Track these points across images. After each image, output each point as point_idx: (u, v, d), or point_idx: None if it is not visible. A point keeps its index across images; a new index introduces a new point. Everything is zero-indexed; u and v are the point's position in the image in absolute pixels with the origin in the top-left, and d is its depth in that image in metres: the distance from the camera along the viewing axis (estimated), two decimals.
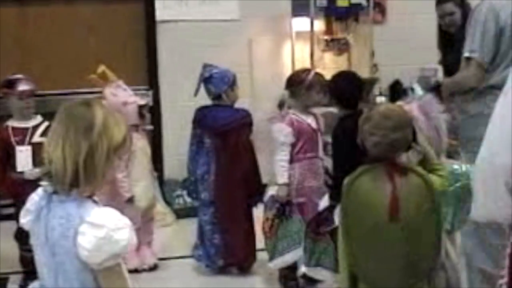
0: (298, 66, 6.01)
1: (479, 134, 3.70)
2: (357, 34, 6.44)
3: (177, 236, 5.74)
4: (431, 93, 3.54)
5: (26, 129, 4.58)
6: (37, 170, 4.38)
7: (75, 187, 2.07)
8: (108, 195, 4.35)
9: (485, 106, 3.69)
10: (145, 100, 5.09)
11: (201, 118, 4.74)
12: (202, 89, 4.73)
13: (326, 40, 6.38)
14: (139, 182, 4.78)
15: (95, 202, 2.13)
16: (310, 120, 4.45)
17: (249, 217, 4.73)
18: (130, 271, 2.47)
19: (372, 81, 6.04)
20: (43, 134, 4.51)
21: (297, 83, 4.43)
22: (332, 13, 6.34)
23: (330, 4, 6.17)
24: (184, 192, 5.91)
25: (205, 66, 4.75)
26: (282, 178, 4.34)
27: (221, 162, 4.65)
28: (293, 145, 4.38)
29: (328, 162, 4.33)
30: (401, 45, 6.54)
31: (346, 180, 2.96)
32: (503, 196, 2.05)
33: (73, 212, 2.07)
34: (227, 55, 5.98)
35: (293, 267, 4.43)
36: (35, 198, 2.21)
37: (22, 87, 4.59)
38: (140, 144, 4.79)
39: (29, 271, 4.57)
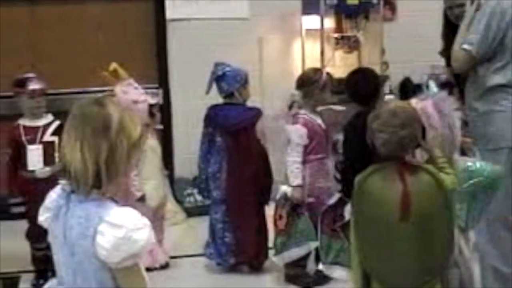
0: (308, 64, 6.01)
1: (489, 132, 3.71)
2: (367, 32, 6.41)
3: (188, 234, 5.74)
4: (445, 90, 3.53)
5: (37, 128, 4.59)
6: (48, 168, 4.47)
7: (97, 188, 2.06)
8: (121, 194, 4.35)
9: (496, 104, 3.68)
10: (156, 99, 5.08)
11: (212, 117, 4.74)
12: (213, 88, 4.73)
13: (336, 38, 6.36)
14: (149, 180, 4.79)
15: (114, 201, 2.13)
16: (319, 121, 4.48)
17: (261, 215, 4.72)
18: None
19: (383, 79, 6.02)
20: (54, 133, 4.52)
21: (310, 84, 4.44)
22: (342, 11, 6.31)
23: (340, 2, 6.14)
24: (195, 191, 5.92)
25: (217, 64, 4.73)
26: (297, 180, 4.36)
27: (232, 161, 4.64)
28: (305, 146, 4.39)
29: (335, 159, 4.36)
30: (412, 42, 6.51)
31: (357, 179, 2.97)
32: None
33: (92, 211, 2.06)
34: (237, 53, 5.97)
35: (302, 265, 4.45)
36: (53, 196, 2.19)
37: (33, 86, 4.60)
38: (151, 143, 4.78)
39: (41, 270, 4.60)
